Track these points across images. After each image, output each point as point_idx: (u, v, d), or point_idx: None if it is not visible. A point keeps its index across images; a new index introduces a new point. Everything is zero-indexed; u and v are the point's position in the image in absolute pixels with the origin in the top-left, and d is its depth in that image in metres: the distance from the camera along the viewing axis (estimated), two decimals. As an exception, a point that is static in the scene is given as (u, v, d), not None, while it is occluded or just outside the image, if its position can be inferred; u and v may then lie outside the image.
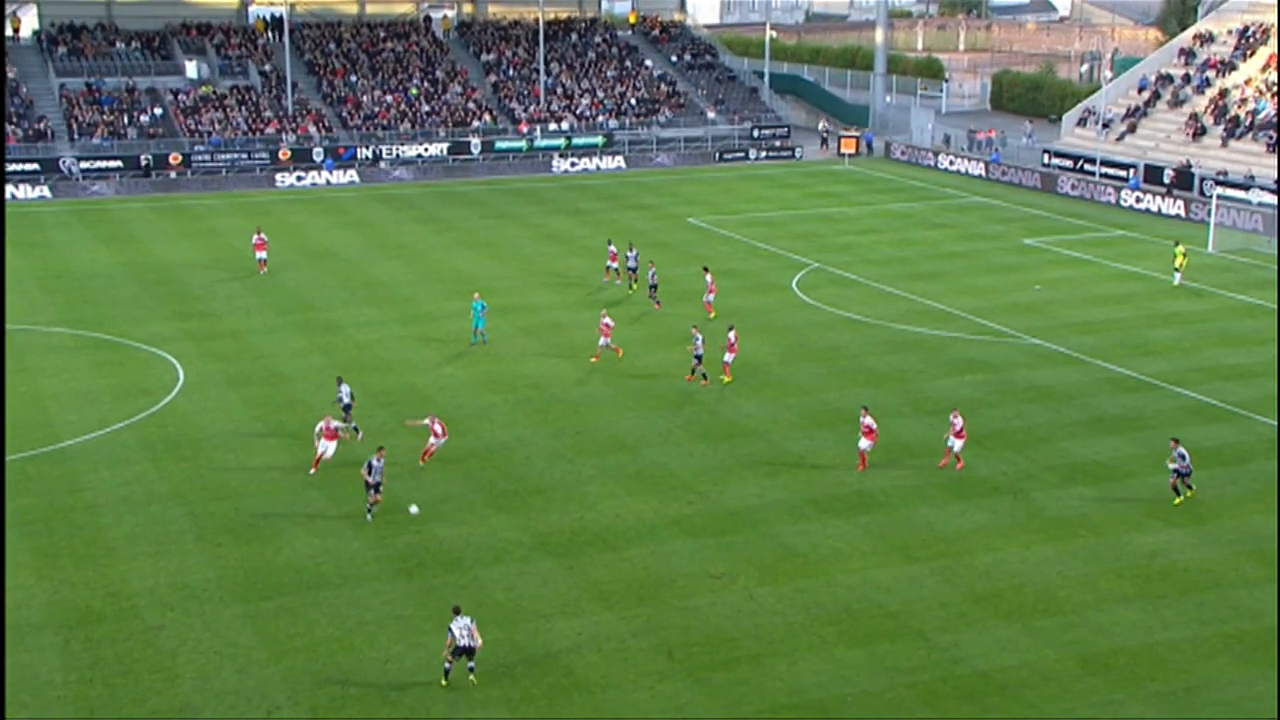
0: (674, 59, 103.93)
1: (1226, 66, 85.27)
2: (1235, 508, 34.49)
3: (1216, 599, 29.74)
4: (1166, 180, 76.16)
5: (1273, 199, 65.89)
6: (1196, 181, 74.62)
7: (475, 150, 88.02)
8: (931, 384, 44.08)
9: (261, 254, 59.10)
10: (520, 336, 49.64)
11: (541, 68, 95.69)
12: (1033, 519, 33.83)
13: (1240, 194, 67.14)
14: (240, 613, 29.11)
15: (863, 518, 33.72)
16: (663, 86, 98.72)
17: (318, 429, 36.16)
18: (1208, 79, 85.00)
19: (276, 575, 30.82)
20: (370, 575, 30.79)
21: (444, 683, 26.17)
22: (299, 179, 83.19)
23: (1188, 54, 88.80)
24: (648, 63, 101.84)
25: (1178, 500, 34.41)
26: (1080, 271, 60.25)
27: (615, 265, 57.14)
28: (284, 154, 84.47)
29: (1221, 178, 72.84)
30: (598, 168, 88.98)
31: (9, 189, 76.14)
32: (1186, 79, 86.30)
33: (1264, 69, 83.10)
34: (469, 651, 26.09)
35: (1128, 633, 28.28)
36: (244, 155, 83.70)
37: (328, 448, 36.07)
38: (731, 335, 44.14)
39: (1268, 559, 31.59)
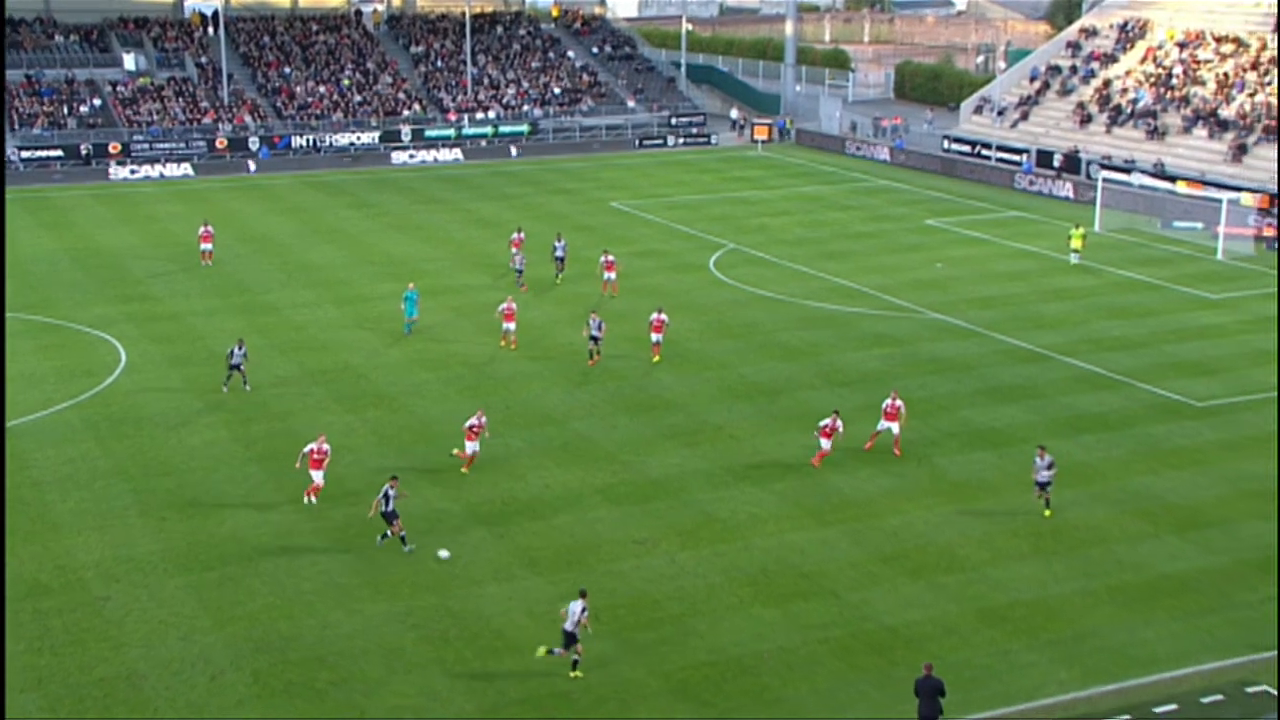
0: (595, 51, 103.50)
1: (1109, 59, 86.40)
2: (1120, 469, 35.08)
3: (1102, 554, 30.26)
4: (1056, 164, 77.19)
5: (1153, 181, 66.90)
6: (1084, 165, 75.68)
7: (406, 138, 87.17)
8: (841, 357, 44.37)
9: (207, 245, 57.27)
10: (451, 317, 49.30)
11: (468, 59, 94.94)
12: (936, 483, 34.20)
13: (1123, 177, 68.16)
14: (183, 583, 28.72)
15: (777, 484, 33.90)
16: (585, 77, 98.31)
17: (302, 454, 32.83)
18: (1092, 70, 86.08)
19: (218, 547, 30.43)
20: (308, 546, 30.49)
21: (573, 674, 25.00)
22: (235, 166, 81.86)
23: (1074, 47, 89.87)
24: (570, 54, 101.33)
25: (1048, 512, 31.88)
26: (978, 250, 60.88)
27: (518, 251, 54.42)
28: (220, 143, 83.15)
29: (1106, 162, 73.92)
30: (523, 154, 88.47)
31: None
32: (1073, 70, 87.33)
33: (1142, 61, 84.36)
34: (571, 638, 25.01)
35: (1022, 587, 28.70)
36: (182, 144, 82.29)
37: (316, 476, 32.54)
38: (658, 316, 43.70)
39: (1149, 515, 32.19)
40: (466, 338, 46.56)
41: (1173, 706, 24.22)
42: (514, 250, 54.78)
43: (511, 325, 44.59)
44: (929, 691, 22.79)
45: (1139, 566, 29.67)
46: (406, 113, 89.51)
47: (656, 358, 43.49)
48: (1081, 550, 30.43)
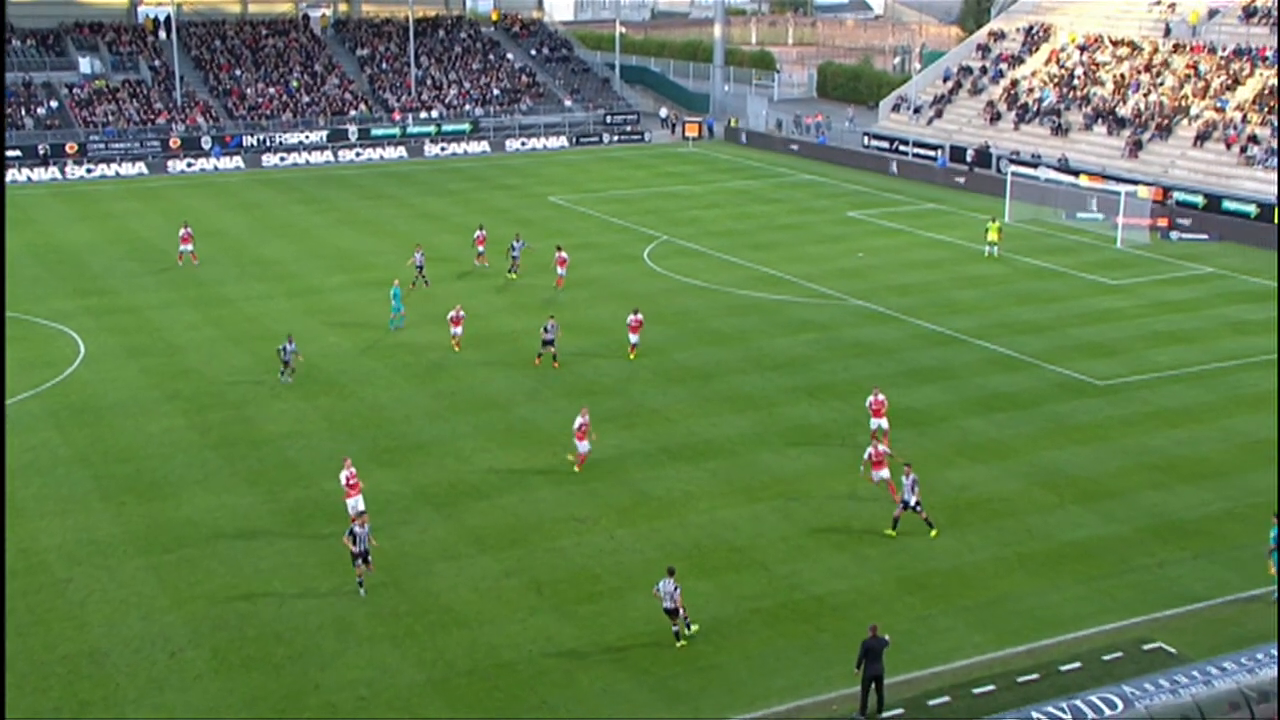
0: (533, 53, 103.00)
1: (1016, 60, 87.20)
2: (1029, 445, 35.50)
3: (1014, 524, 30.65)
4: (969, 159, 77.85)
5: (1057, 175, 67.70)
6: (994, 160, 76.39)
7: (353, 137, 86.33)
8: (770, 342, 44.56)
9: (187, 246, 54.83)
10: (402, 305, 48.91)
11: (412, 61, 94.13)
12: (859, 460, 34.23)
13: (1030, 171, 68.82)
14: (143, 565, 28.35)
15: (710, 463, 34.00)
16: (523, 78, 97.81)
17: (342, 479, 29.82)
18: (1001, 71, 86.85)
19: (177, 530, 30.07)
20: (263, 528, 30.20)
21: (678, 644, 24.99)
22: (189, 165, 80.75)
23: (984, 49, 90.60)
24: (509, 56, 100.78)
25: (934, 533, 29.78)
26: (897, 240, 61.34)
27: (483, 249, 54.45)
28: (174, 142, 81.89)
29: (1014, 157, 74.63)
30: (465, 152, 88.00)
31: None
32: (983, 71, 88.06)
33: (1046, 62, 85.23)
34: (672, 614, 24.97)
35: (940, 556, 29.01)
36: (137, 144, 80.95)
37: (356, 504, 29.40)
38: (635, 317, 42.38)
39: (1056, 487, 32.62)
40: (413, 327, 46.25)
41: (1077, 665, 24.60)
42: (479, 248, 54.12)
43: (458, 330, 43.00)
44: (877, 650, 22.96)
45: (1046, 535, 30.09)
46: (353, 113, 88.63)
47: (633, 356, 42.28)
48: (994, 521, 30.81)
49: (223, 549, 29.11)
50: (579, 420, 33.14)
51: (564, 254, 51.94)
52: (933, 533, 29.85)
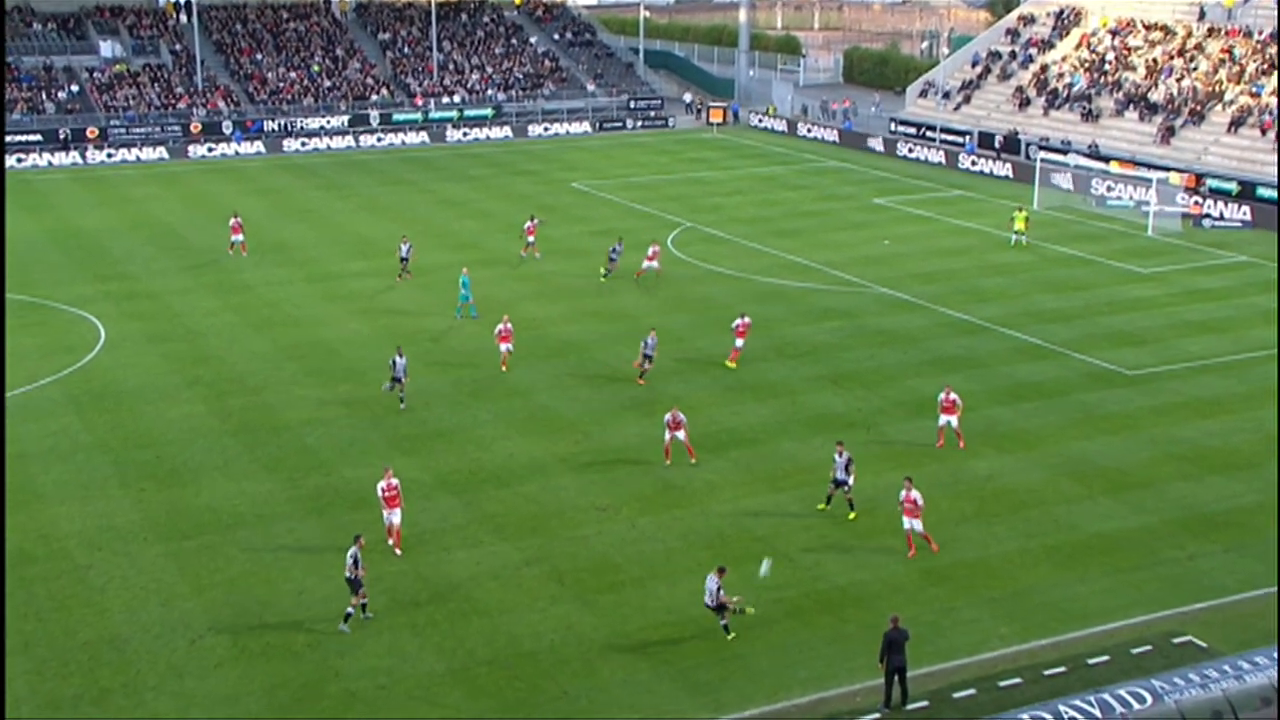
0: (556, 37, 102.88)
1: (1046, 45, 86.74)
2: (1057, 434, 35.34)
3: (1040, 515, 30.52)
4: (997, 145, 77.46)
5: (1088, 161, 67.29)
6: (1023, 146, 75.98)
7: (374, 122, 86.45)
8: (793, 330, 44.46)
9: (238, 236, 54.18)
10: (418, 293, 49.03)
11: (434, 45, 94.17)
12: (885, 449, 34.34)
13: (1060, 158, 68.47)
14: (163, 551, 28.51)
15: (733, 452, 33.96)
16: (546, 62, 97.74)
17: (379, 489, 28.76)
18: (1030, 56, 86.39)
19: (196, 516, 30.21)
20: (283, 514, 30.32)
21: (729, 636, 25.02)
22: (209, 150, 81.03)
23: (1013, 34, 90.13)
24: (532, 40, 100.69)
25: (852, 515, 29.96)
26: (923, 228, 61.08)
27: (534, 240, 53.70)
28: (195, 127, 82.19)
29: (1044, 143, 74.25)
30: (487, 137, 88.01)
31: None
32: (1013, 55, 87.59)
33: (1077, 47, 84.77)
34: (720, 609, 24.87)
35: (965, 547, 28.91)
36: (157, 129, 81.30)
37: (393, 517, 28.47)
38: (742, 321, 40.91)
39: (1083, 478, 32.46)
40: (434, 312, 46.32)
41: (1105, 658, 24.49)
42: (529, 238, 53.55)
43: (507, 347, 40.03)
44: (899, 642, 22.90)
45: (1074, 526, 29.95)
46: (375, 97, 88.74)
47: (733, 364, 40.38)
48: (1021, 512, 30.68)
49: (242, 536, 29.25)
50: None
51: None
52: (851, 515, 29.85)
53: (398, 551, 28.30)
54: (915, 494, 28.34)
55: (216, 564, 28.00)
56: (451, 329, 44.50)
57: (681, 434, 33.01)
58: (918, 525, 28.46)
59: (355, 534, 26.35)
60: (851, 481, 29.96)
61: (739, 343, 40.76)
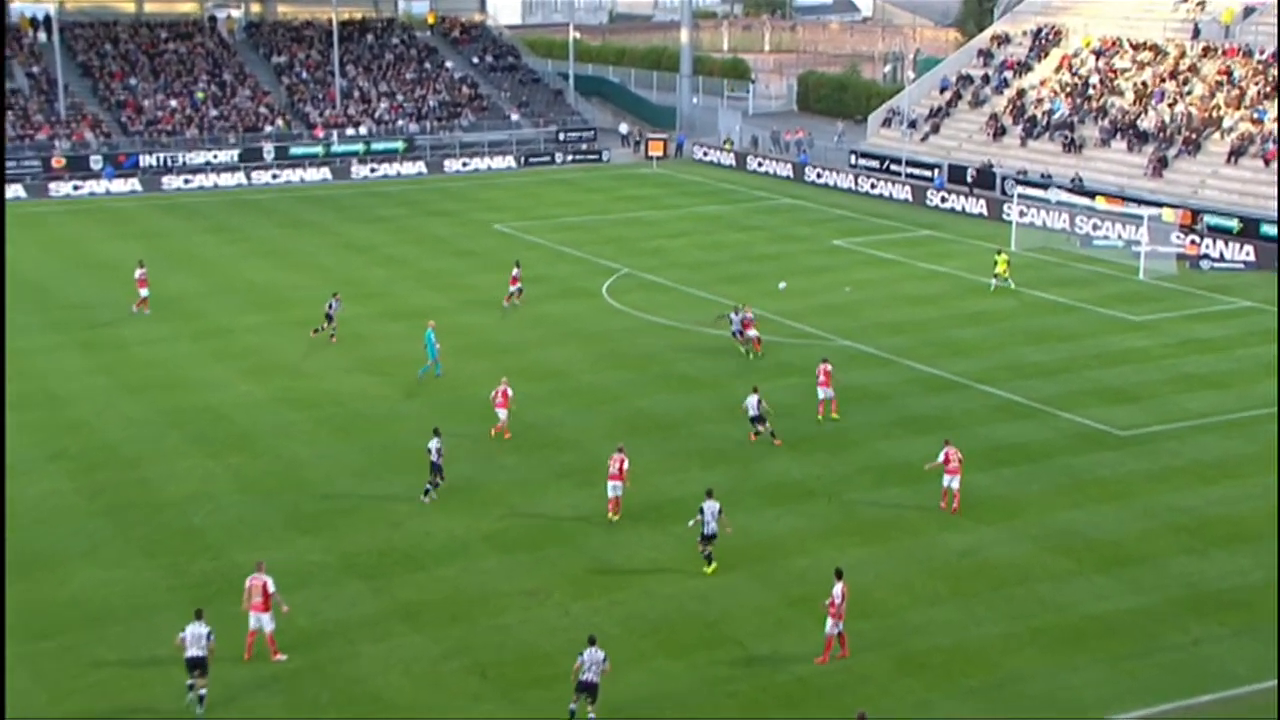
0: (475, 60, 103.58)
1: (1023, 67, 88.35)
2: (1041, 503, 35.74)
3: (1025, 593, 30.81)
4: (969, 180, 78.63)
5: (1070, 197, 68.51)
6: (998, 181, 77.26)
7: (269, 156, 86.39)
8: (745, 388, 44.62)
9: (145, 290, 53.59)
10: (321, 350, 48.86)
11: (336, 71, 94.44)
12: (847, 521, 34.57)
13: (1039, 193, 69.64)
14: (15, 655, 27.79)
15: (677, 527, 33.94)
16: (464, 89, 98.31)
17: (246, 588, 28.04)
18: (1005, 79, 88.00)
19: (57, 612, 29.66)
20: (163, 605, 29.91)
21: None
22: (75, 188, 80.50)
23: (986, 55, 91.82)
24: (448, 65, 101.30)
25: (709, 569, 31.41)
26: (889, 272, 61.85)
27: (517, 289, 54.22)
28: (58, 161, 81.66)
29: (1021, 177, 75.52)
30: (398, 173, 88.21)
31: None
32: (986, 79, 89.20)
33: (1057, 70, 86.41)
34: (590, 689, 25.09)
35: (941, 631, 29.11)
36: (12, 164, 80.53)
37: (262, 621, 27.85)
38: (825, 367, 42.20)
39: (1073, 552, 32.84)
40: (338, 374, 46.16)
41: (1100, 755, 24.70)
42: (511, 287, 54.24)
43: (504, 414, 40.05)
44: None
45: (1063, 607, 30.24)
46: (269, 129, 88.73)
47: (835, 415, 41.82)
48: (1003, 590, 30.95)
49: (113, 633, 28.79)
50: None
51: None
52: (708, 569, 31.41)
53: (278, 656, 27.71)
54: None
55: (80, 668, 27.48)
56: (358, 393, 44.33)
57: (620, 487, 34.06)
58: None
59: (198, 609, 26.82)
60: (715, 534, 31.32)
61: (823, 393, 41.94)
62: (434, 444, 35.62)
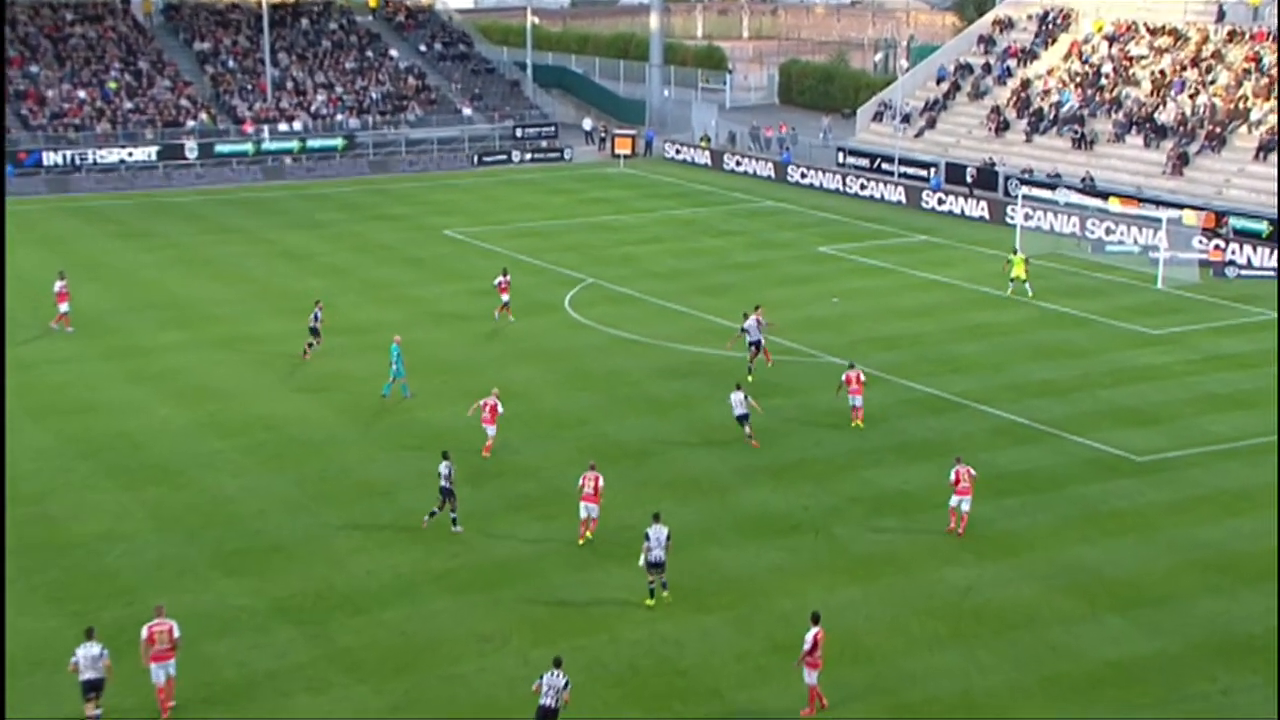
0: (423, 49, 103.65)
1: (1028, 55, 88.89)
2: (1050, 537, 35.84)
3: (1032, 638, 30.87)
4: (969, 180, 79.03)
5: (1081, 198, 68.91)
6: (1001, 181, 77.64)
7: (191, 154, 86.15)
8: (720, 410, 44.65)
9: (64, 306, 53.27)
10: (251, 370, 48.72)
11: (267, 58, 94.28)
12: (836, 558, 34.61)
13: (1046, 194, 70.00)
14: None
15: (649, 564, 33.98)
16: (410, 80, 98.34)
17: (145, 637, 27.67)
18: (1009, 68, 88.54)
19: (-42, 662, 29.45)
20: (67, 655, 29.62)
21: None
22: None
23: (987, 41, 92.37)
24: (392, 53, 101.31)
25: (651, 601, 32.06)
26: (881, 281, 62.07)
27: (507, 299, 54.34)
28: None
29: (1026, 176, 75.92)
30: (337, 174, 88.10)
31: None
32: (987, 69, 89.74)
33: (1066, 58, 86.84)
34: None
35: (940, 679, 29.14)
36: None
37: (167, 670, 27.55)
38: (852, 376, 43.53)
39: (1086, 591, 32.93)
40: (268, 396, 46.02)
41: (1118, 815, 24.75)
42: (502, 296, 54.33)
43: (492, 429, 40.97)
44: None
45: (1076, 653, 30.31)
46: (191, 124, 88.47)
47: (860, 423, 43.50)
48: (1008, 635, 31.01)
49: (14, 690, 28.49)
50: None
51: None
52: (649, 601, 32.04)
53: (170, 703, 27.38)
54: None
55: (-18, 723, 27.29)
56: (292, 417, 44.19)
57: (596, 509, 34.59)
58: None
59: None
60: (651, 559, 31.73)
61: (854, 400, 43.44)
62: (443, 468, 35.63)
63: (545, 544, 35.09)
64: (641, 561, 32.13)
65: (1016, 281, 58.50)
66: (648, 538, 31.81)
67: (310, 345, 49.79)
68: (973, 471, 36.01)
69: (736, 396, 41.62)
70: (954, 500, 35.78)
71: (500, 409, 40.81)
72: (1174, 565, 34.35)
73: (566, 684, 25.72)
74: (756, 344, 47.95)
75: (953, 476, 35.86)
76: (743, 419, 41.55)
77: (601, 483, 34.86)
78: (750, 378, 46.71)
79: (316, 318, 49.92)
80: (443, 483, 35.54)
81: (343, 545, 35.08)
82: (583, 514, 34.87)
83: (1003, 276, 59.30)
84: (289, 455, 41.06)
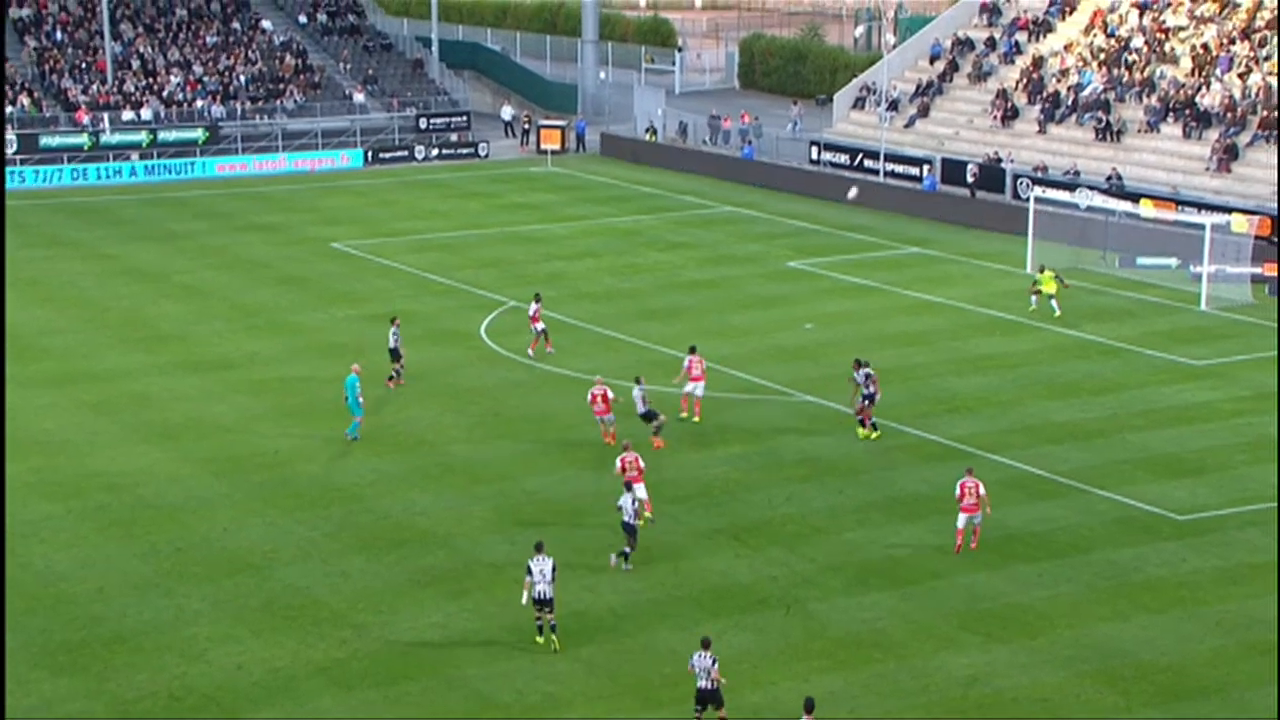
0: (303, 20, 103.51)
1: (1041, 28, 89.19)
2: (1073, 613, 35.88)
3: (1056, 736, 31.01)
4: (970, 178, 79.23)
5: (1107, 201, 69.18)
6: (1009, 180, 77.90)
7: (10, 148, 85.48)
8: (670, 460, 44.68)
9: None
10: (89, 416, 48.36)
11: (106, 31, 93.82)
12: (812, 639, 34.52)
13: (1064, 195, 70.08)
14: None
15: (583, 649, 33.87)
16: (288, 59, 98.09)
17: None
18: (1017, 44, 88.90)
19: None
20: None
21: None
22: None
23: (991, 11, 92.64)
24: (265, 25, 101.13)
25: (539, 640, 34.06)
26: (863, 303, 62.24)
27: (541, 328, 54.31)
28: None
29: (1040, 175, 76.13)
30: (196, 174, 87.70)
31: None
32: (991, 44, 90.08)
33: (1087, 30, 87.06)
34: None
35: (943, 788, 29.21)
36: None
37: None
38: (862, 375, 46.42)
39: (1118, 680, 32.95)
40: (110, 448, 45.66)
41: None
42: (534, 326, 54.49)
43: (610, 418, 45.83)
44: None
45: (1105, 753, 30.45)
46: (10, 110, 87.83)
47: (873, 433, 46.56)
48: (1024, 731, 31.11)
49: None
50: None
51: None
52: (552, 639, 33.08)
53: None
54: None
55: None
56: (141, 473, 43.86)
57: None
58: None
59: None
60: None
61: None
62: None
63: (457, 626, 34.89)
64: (524, 599, 33.61)
65: (1041, 297, 58.66)
66: (530, 571, 33.28)
67: (398, 371, 50.87)
68: (981, 487, 37.49)
69: (637, 392, 44.70)
70: (961, 520, 36.91)
71: (611, 395, 45.21)
72: (1223, 648, 34.43)
73: (714, 662, 29.54)
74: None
75: (958, 491, 36.84)
76: (646, 417, 45.24)
77: (642, 462, 38.76)
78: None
79: (395, 336, 50.91)
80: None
81: (204, 632, 34.77)
82: (638, 495, 38.81)
83: (1015, 296, 59.18)
84: (136, 521, 40.71)
